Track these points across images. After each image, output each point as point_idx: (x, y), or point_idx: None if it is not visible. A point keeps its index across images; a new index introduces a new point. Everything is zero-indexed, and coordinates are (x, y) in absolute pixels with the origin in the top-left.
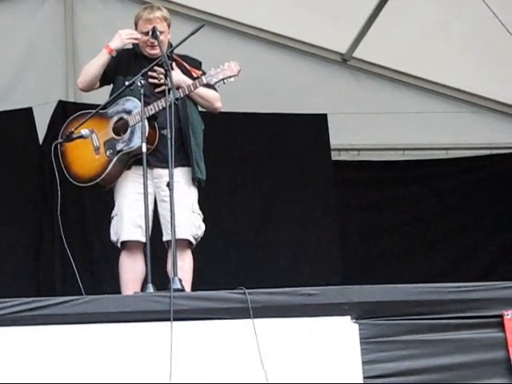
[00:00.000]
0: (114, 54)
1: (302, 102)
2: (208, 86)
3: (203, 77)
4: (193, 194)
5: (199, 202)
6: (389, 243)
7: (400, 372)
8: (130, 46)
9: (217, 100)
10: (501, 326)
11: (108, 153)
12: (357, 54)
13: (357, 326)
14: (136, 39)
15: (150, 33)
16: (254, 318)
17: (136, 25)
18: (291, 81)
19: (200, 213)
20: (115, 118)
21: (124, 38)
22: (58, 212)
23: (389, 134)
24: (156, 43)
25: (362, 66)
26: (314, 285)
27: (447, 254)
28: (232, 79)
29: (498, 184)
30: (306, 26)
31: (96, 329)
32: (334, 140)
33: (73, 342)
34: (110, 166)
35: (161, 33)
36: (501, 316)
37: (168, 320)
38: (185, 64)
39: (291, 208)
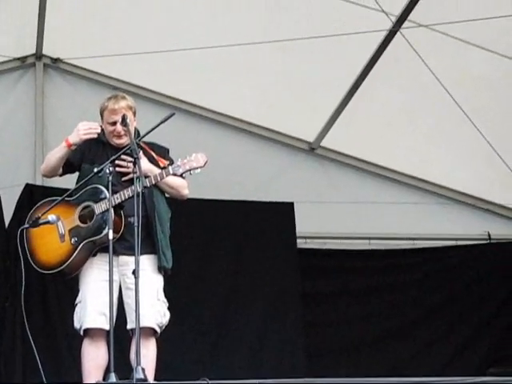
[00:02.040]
0: (74, 147)
1: (270, 190)
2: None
3: (170, 167)
4: (158, 281)
5: (164, 290)
6: (354, 333)
7: None
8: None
9: (184, 188)
10: None
11: (73, 240)
12: (324, 142)
13: None
14: (95, 133)
15: (120, 120)
16: None
17: (102, 115)
18: (259, 168)
19: (165, 300)
20: (81, 206)
21: (81, 133)
22: (22, 297)
23: (355, 223)
24: (122, 132)
25: (330, 155)
26: (278, 375)
27: (413, 343)
28: (198, 170)
29: (462, 274)
30: (274, 113)
31: None
32: (301, 228)
33: None
34: (75, 253)
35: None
36: None
37: None
38: (152, 153)
39: (256, 296)
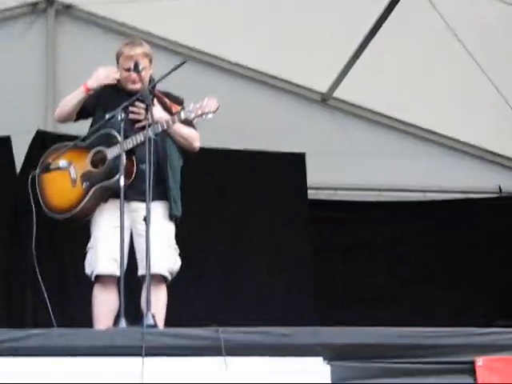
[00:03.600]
0: (91, 93)
1: (281, 140)
2: (187, 122)
3: (182, 112)
4: (170, 228)
5: (176, 237)
6: (363, 284)
7: None
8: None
9: (195, 139)
10: (472, 372)
11: (84, 185)
12: (337, 94)
13: (329, 367)
14: (114, 79)
15: (132, 67)
16: (227, 355)
17: (117, 60)
18: (270, 118)
19: (176, 247)
20: (94, 151)
21: (101, 78)
22: (33, 243)
23: (366, 174)
24: (137, 79)
25: (342, 106)
26: (286, 324)
27: (423, 295)
28: (210, 115)
29: (472, 227)
30: (287, 64)
31: (67, 362)
32: (312, 178)
33: (44, 375)
34: (86, 198)
35: (142, 68)
36: (472, 362)
37: (140, 355)
38: (166, 100)
39: (265, 246)
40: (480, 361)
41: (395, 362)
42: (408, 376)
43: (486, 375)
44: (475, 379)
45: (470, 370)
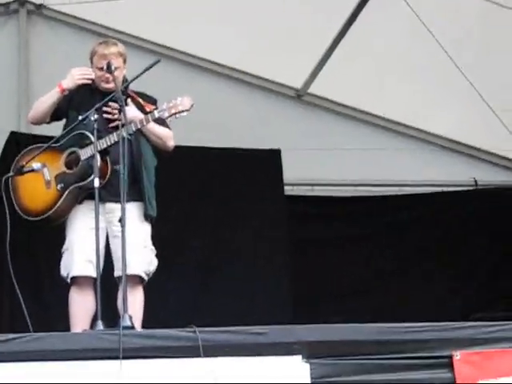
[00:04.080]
0: (66, 93)
1: (256, 137)
2: (160, 122)
3: (155, 111)
4: (145, 229)
5: (152, 238)
6: (339, 280)
7: None
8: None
9: (169, 138)
10: (450, 366)
11: (59, 187)
12: (312, 89)
13: (308, 365)
14: (89, 79)
15: (105, 67)
16: (205, 356)
17: (91, 60)
18: (245, 115)
19: (153, 248)
20: (67, 152)
21: (76, 78)
22: (7, 245)
23: (342, 169)
24: (110, 78)
25: (317, 102)
26: (264, 323)
27: (400, 288)
28: (184, 113)
29: (448, 220)
30: (261, 60)
31: (44, 367)
32: (288, 175)
33: (21, 380)
34: (61, 200)
35: (116, 68)
36: (450, 357)
37: (117, 358)
38: (139, 100)
39: (243, 243)
40: (458, 355)
41: (375, 359)
42: (387, 372)
43: (464, 369)
44: (453, 373)
45: (448, 364)
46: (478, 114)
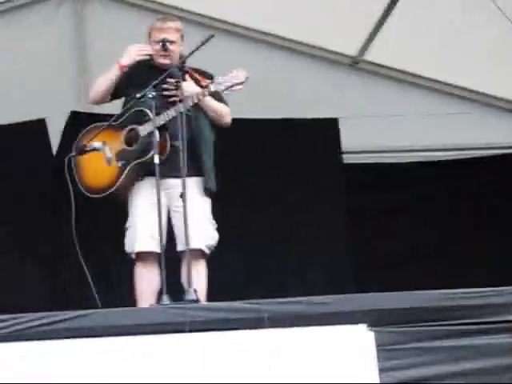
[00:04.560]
0: (125, 70)
1: (312, 106)
2: (217, 97)
3: (211, 85)
4: (206, 203)
5: (212, 212)
6: (400, 247)
7: (415, 379)
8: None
9: (226, 114)
10: (509, 331)
11: (120, 163)
12: (367, 56)
13: (372, 333)
14: (146, 55)
15: (161, 45)
16: (269, 327)
17: (149, 35)
18: (301, 85)
19: (214, 222)
20: (127, 129)
21: (134, 54)
22: (73, 224)
23: (400, 136)
24: (167, 53)
25: (372, 69)
26: (327, 293)
27: (461, 257)
28: (240, 87)
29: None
30: (314, 29)
31: (112, 342)
32: (346, 143)
33: (89, 355)
34: (123, 176)
35: (172, 42)
36: (510, 321)
37: (183, 331)
38: (197, 76)
39: (303, 213)
40: None
41: (436, 325)
42: (448, 338)
43: None
44: None
45: (508, 329)
46: None
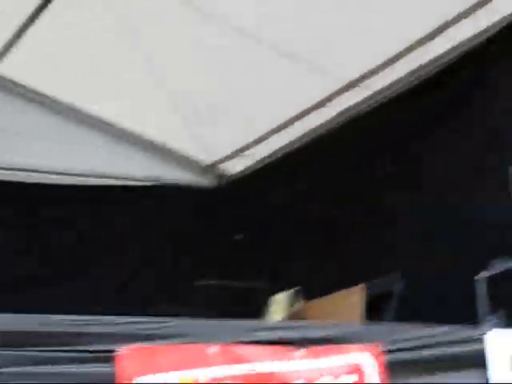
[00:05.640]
0: None
1: None
2: None
3: None
4: None
5: None
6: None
7: None
8: None
9: None
10: (111, 361)
11: None
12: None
13: None
14: None
15: None
16: None
17: None
18: None
19: None
20: None
21: None
22: None
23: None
24: None
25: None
26: None
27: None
28: None
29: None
30: None
31: None
32: None
33: None
34: None
35: None
36: (112, 351)
37: None
38: None
39: None
40: (119, 350)
41: (31, 350)
42: (43, 364)
43: (125, 364)
44: (114, 368)
45: (110, 358)
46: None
